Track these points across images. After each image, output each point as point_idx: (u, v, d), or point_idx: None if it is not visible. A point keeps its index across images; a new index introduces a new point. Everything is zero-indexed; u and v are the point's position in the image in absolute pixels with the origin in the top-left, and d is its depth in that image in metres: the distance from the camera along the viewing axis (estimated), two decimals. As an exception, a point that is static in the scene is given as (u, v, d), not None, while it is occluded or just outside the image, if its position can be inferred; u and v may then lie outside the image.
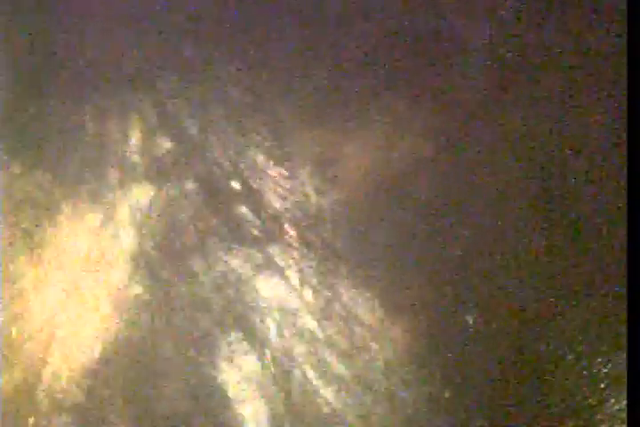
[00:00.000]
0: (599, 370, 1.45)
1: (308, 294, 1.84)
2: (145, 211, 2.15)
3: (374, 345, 1.72)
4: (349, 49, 1.89)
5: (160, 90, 2.19)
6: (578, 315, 1.49)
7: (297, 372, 1.80)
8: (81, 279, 2.20)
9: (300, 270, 1.86)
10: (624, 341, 1.43)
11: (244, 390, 1.85)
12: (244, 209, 1.98)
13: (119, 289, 2.11)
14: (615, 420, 1.42)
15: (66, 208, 2.29)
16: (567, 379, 1.48)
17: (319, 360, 1.77)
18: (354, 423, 1.70)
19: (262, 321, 1.88)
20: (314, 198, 1.88)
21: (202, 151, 2.09)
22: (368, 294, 1.75)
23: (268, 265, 1.91)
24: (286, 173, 1.93)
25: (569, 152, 1.58)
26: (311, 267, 1.84)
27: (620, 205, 1.49)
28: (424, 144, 1.75)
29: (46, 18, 2.52)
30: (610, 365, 1.44)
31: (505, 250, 1.59)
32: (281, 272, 1.89)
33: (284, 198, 1.92)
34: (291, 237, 1.89)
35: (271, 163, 1.96)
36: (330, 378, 1.75)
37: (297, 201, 1.90)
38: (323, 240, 1.84)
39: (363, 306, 1.75)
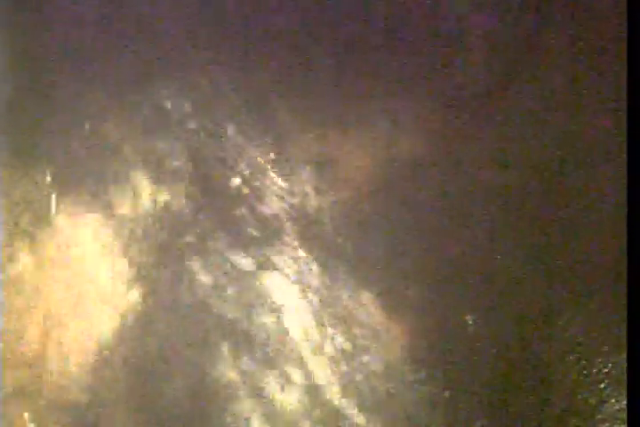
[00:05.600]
0: (599, 370, 1.45)
1: (308, 294, 1.84)
2: (144, 211, 2.15)
3: (374, 345, 1.72)
4: (349, 48, 1.88)
5: (160, 90, 2.19)
6: (578, 315, 1.49)
7: (297, 372, 1.80)
8: (81, 280, 2.20)
9: (300, 270, 1.86)
10: (624, 341, 1.43)
11: (243, 390, 1.85)
12: (243, 209, 1.98)
13: (119, 289, 2.11)
14: (615, 420, 1.42)
15: (66, 208, 2.29)
16: (567, 379, 1.48)
17: (319, 360, 1.78)
18: (354, 423, 1.70)
19: (262, 321, 1.88)
20: (314, 198, 1.88)
21: (201, 151, 2.09)
22: (368, 294, 1.75)
23: (268, 265, 1.91)
24: (286, 173, 1.93)
25: (570, 151, 1.58)
26: (311, 267, 1.84)
27: (620, 205, 1.49)
28: (424, 144, 1.75)
29: (46, 19, 2.52)
30: (610, 365, 1.44)
31: (505, 250, 1.59)
32: (280, 272, 1.89)
33: (284, 198, 1.92)
34: (290, 237, 1.89)
35: (271, 163, 1.96)
36: (330, 378, 1.75)
37: (297, 201, 1.90)
38: (323, 240, 1.84)
39: (363, 306, 1.75)
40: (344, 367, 1.74)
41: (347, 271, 1.78)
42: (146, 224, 2.14)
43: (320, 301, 1.81)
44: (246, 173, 2.00)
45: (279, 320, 1.86)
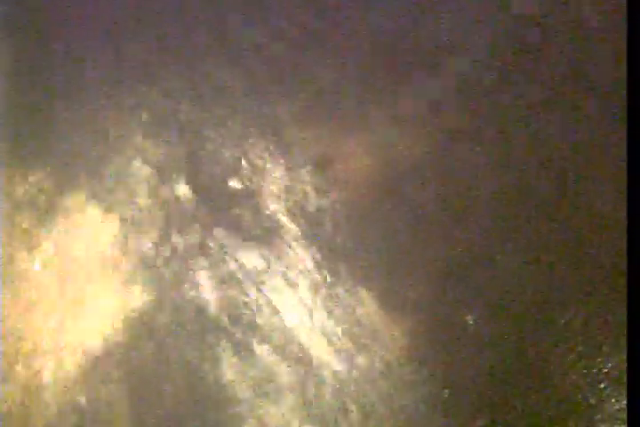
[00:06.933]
0: (599, 370, 1.45)
1: (308, 294, 1.84)
2: (145, 211, 2.15)
3: (374, 345, 1.72)
4: (350, 49, 1.89)
5: (160, 90, 2.19)
6: (578, 315, 1.49)
7: (297, 371, 1.80)
8: (81, 280, 2.20)
9: (300, 270, 1.86)
10: (624, 341, 1.43)
11: (243, 390, 1.85)
12: (243, 209, 1.98)
13: (119, 289, 2.11)
14: (615, 420, 1.42)
15: (66, 208, 2.29)
16: (567, 379, 1.48)
17: (319, 360, 1.77)
18: (354, 423, 1.70)
19: (262, 321, 1.88)
20: (314, 198, 1.88)
21: (201, 151, 2.09)
22: (368, 294, 1.75)
23: (268, 265, 1.91)
24: (286, 173, 1.93)
25: (570, 151, 1.58)
26: (311, 267, 1.84)
27: (620, 205, 1.49)
28: (424, 144, 1.75)
29: (46, 17, 2.52)
30: (610, 365, 1.44)
31: (505, 250, 1.59)
32: (280, 272, 1.89)
33: (284, 198, 1.92)
34: (290, 236, 1.89)
35: (271, 162, 1.96)
36: (330, 378, 1.75)
37: (297, 201, 1.90)
38: (323, 240, 1.84)
39: (363, 306, 1.75)
40: (344, 367, 1.74)
41: (347, 271, 1.78)
42: (146, 224, 2.14)
43: (320, 300, 1.81)
44: (246, 172, 2.00)
45: (280, 320, 1.86)
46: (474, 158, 1.66)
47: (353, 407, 1.71)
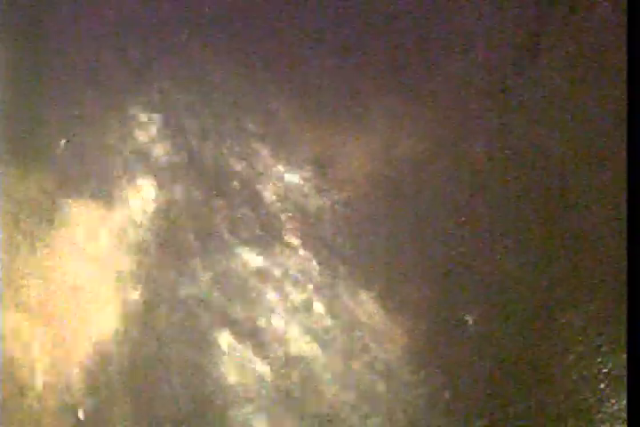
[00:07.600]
0: (599, 370, 1.45)
1: (308, 294, 1.84)
2: (145, 211, 2.15)
3: (374, 345, 1.72)
4: (349, 49, 1.88)
5: (160, 90, 2.19)
6: (578, 315, 1.49)
7: (297, 372, 1.80)
8: (81, 280, 2.20)
9: (300, 271, 1.86)
10: (624, 341, 1.43)
11: (243, 390, 1.86)
12: (243, 209, 1.98)
13: (119, 289, 2.11)
14: (615, 420, 1.42)
15: (66, 209, 2.29)
16: (567, 379, 1.48)
17: (319, 360, 1.78)
18: (354, 424, 1.70)
19: (262, 321, 1.88)
20: (314, 198, 1.88)
21: (202, 151, 2.09)
22: (368, 294, 1.75)
23: (268, 265, 1.91)
24: (286, 173, 1.93)
25: (570, 151, 1.58)
26: (311, 267, 1.84)
27: (619, 205, 1.48)
28: (424, 144, 1.75)
29: (46, 18, 2.52)
30: (610, 365, 1.44)
31: (505, 250, 1.59)
32: (281, 272, 1.89)
33: (284, 198, 1.92)
34: (291, 237, 1.89)
35: (271, 163, 1.96)
36: (330, 378, 1.75)
37: (297, 201, 1.90)
38: (323, 240, 1.84)
39: (363, 306, 1.75)
40: (344, 367, 1.74)
41: (347, 271, 1.78)
42: (146, 224, 2.14)
43: (320, 300, 1.81)
44: (246, 173, 2.00)
45: (280, 321, 1.86)
46: (474, 159, 1.66)
47: (353, 408, 1.71)
